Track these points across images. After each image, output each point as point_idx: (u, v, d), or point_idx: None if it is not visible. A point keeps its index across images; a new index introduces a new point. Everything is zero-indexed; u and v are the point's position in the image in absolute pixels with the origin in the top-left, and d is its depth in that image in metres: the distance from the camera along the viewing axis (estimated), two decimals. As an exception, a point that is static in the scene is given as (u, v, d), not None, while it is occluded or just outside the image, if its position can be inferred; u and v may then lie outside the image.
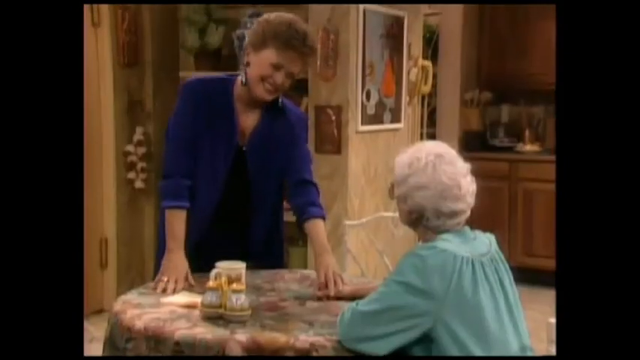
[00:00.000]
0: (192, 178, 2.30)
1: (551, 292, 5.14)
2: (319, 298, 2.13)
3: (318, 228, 2.31)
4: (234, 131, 2.31)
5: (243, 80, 2.27)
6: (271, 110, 2.34)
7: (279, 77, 2.21)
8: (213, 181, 2.32)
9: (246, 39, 2.27)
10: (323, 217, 2.36)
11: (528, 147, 5.51)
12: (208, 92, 2.31)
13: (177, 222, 2.26)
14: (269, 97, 2.26)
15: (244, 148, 2.33)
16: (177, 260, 2.23)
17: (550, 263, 5.07)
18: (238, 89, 2.31)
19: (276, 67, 2.20)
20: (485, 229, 1.92)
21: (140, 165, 4.41)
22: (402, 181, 1.88)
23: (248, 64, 2.25)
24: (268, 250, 2.44)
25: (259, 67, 2.21)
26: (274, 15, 2.26)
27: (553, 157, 5.29)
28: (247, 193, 2.36)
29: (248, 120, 2.33)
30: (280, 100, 2.35)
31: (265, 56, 2.20)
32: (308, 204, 2.35)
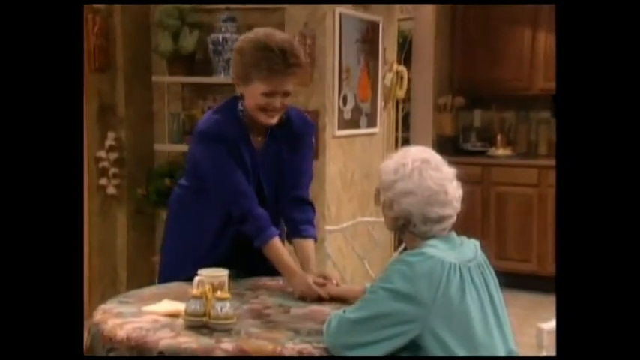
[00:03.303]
0: (257, 201, 2.25)
1: (524, 295, 5.21)
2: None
3: (310, 248, 2.33)
4: (253, 155, 2.29)
5: (242, 112, 2.25)
6: (277, 125, 2.29)
7: (277, 102, 2.18)
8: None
9: (230, 71, 2.25)
10: (315, 239, 2.37)
11: (500, 151, 5.58)
12: (228, 132, 2.24)
13: (278, 251, 2.23)
14: (273, 121, 2.24)
15: (257, 165, 2.32)
16: (299, 281, 2.18)
17: (523, 266, 5.19)
18: (244, 116, 2.28)
19: (270, 95, 2.16)
20: (458, 233, 1.92)
21: (112, 171, 4.33)
22: (388, 187, 1.86)
23: (242, 95, 2.23)
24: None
25: (253, 99, 2.19)
26: (246, 40, 2.19)
27: (525, 162, 5.39)
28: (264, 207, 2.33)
29: (257, 140, 2.31)
30: (284, 115, 2.30)
31: (254, 88, 2.16)
32: (305, 221, 2.34)
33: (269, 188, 2.33)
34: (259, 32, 2.21)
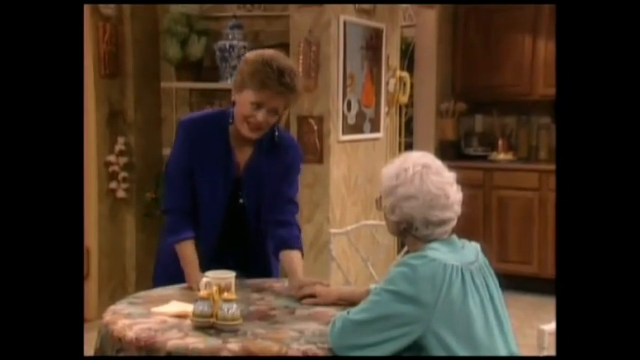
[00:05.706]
0: (190, 211, 2.37)
1: (525, 297, 5.26)
2: (303, 297, 2.19)
3: (297, 258, 2.36)
4: (231, 166, 2.36)
5: (231, 120, 2.33)
6: (266, 144, 2.36)
7: (261, 115, 2.24)
8: (213, 210, 2.38)
9: (232, 78, 2.32)
10: (302, 253, 2.40)
11: (502, 156, 5.63)
12: (203, 131, 2.36)
13: (186, 250, 2.36)
14: (254, 136, 2.30)
15: (240, 178, 2.37)
16: (195, 276, 2.27)
17: (524, 269, 5.24)
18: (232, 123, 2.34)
19: (256, 106, 2.23)
20: (460, 236, 1.95)
21: (122, 175, 4.41)
22: (390, 192, 1.89)
23: (234, 103, 2.31)
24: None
25: (241, 107, 2.26)
26: (254, 53, 2.30)
27: (526, 166, 5.43)
28: (245, 220, 2.40)
29: (244, 153, 2.37)
30: (276, 134, 2.37)
31: (245, 96, 2.24)
32: (292, 236, 2.39)
33: (249, 194, 2.38)
34: (269, 51, 2.32)
